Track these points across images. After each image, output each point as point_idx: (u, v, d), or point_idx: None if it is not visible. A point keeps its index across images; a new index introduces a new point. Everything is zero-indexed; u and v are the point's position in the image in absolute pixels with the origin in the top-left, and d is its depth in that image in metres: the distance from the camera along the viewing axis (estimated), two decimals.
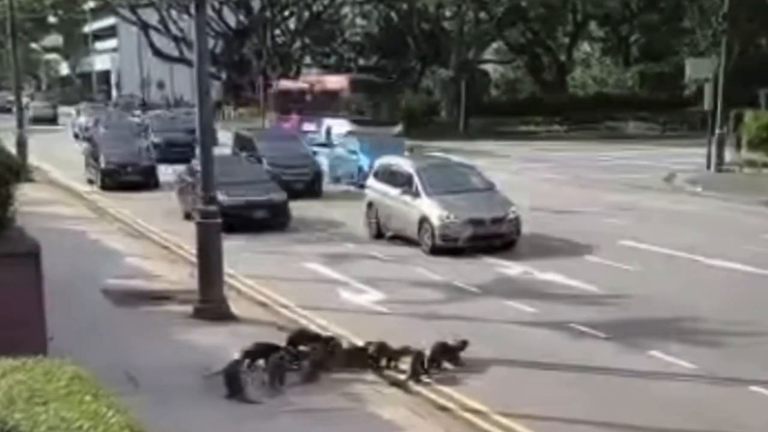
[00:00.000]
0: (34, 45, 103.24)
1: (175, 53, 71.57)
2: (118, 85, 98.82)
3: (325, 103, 46.67)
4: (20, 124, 34.72)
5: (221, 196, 19.40)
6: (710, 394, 11.69)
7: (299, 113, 48.82)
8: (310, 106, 48.56)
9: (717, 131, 35.40)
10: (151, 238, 22.66)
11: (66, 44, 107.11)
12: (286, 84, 55.66)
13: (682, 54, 55.59)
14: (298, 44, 71.77)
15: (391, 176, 22.23)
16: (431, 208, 20.25)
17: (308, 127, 45.98)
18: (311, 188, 29.21)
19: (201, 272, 15.04)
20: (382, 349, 12.33)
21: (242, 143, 31.85)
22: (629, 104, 58.22)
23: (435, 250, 19.78)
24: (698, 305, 15.71)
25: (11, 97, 78.19)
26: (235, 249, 18.16)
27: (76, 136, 54.20)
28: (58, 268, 14.94)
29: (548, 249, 20.41)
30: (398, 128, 43.46)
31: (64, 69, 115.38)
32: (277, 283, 17.45)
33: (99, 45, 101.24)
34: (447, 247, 19.76)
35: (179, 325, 14.35)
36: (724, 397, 11.57)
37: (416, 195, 20.77)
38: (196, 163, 23.13)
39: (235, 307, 15.11)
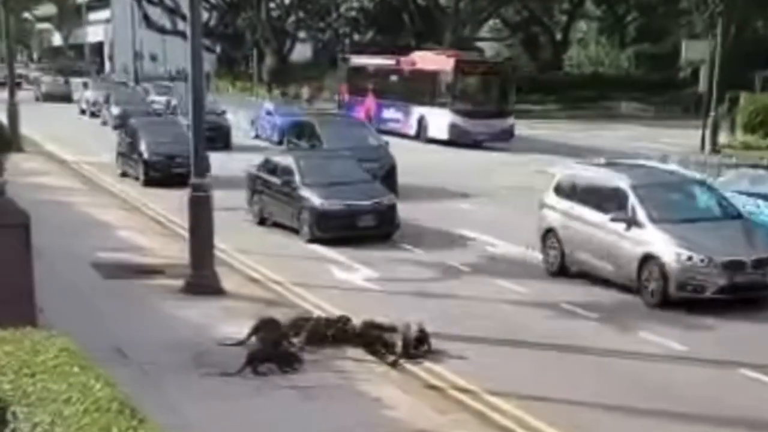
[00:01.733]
0: (26, 14, 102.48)
1: (169, 25, 71.13)
2: (111, 57, 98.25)
3: (417, 87, 39.03)
4: (11, 94, 34.25)
5: (317, 200, 19.00)
6: (700, 376, 11.71)
7: (378, 96, 41.55)
8: (394, 89, 40.90)
9: (711, 113, 35.40)
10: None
11: (59, 14, 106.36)
12: (361, 59, 46.65)
13: (679, 35, 55.46)
14: (292, 18, 71.36)
15: (588, 194, 16.42)
16: (662, 244, 14.84)
17: (389, 113, 40.21)
18: (385, 185, 22.94)
19: (192, 246, 14.98)
20: (371, 326, 12.31)
21: (300, 130, 27.46)
22: (624, 84, 58.15)
23: (665, 302, 14.41)
24: None
25: (20, 71, 76.10)
26: (226, 224, 18.07)
27: (82, 111, 50.68)
28: (49, 240, 14.93)
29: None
30: (510, 120, 37.74)
31: (57, 40, 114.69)
32: (269, 259, 17.38)
33: (92, 16, 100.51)
34: (687, 299, 14.43)
35: (169, 299, 14.31)
36: (713, 379, 11.59)
37: (634, 223, 15.15)
38: (276, 156, 21.70)
39: (227, 282, 15.06)
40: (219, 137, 33.32)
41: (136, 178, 26.97)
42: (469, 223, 20.97)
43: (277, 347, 11.68)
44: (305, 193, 19.29)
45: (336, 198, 19.16)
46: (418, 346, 12.03)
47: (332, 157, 22.09)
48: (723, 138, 36.25)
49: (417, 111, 38.60)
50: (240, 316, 13.49)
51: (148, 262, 16.73)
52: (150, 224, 20.89)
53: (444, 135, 37.05)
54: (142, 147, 26.90)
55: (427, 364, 11.80)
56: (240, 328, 12.52)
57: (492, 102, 37.91)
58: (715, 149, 34.86)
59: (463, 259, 17.52)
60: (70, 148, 34.13)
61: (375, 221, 19.18)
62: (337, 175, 20.16)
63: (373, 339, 12.17)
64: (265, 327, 12.13)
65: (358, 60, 46.60)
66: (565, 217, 16.59)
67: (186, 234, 15.76)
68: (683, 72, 53.51)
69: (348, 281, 16.18)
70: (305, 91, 58.20)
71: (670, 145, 35.88)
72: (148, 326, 12.76)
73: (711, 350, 12.55)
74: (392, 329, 12.20)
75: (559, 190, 17.09)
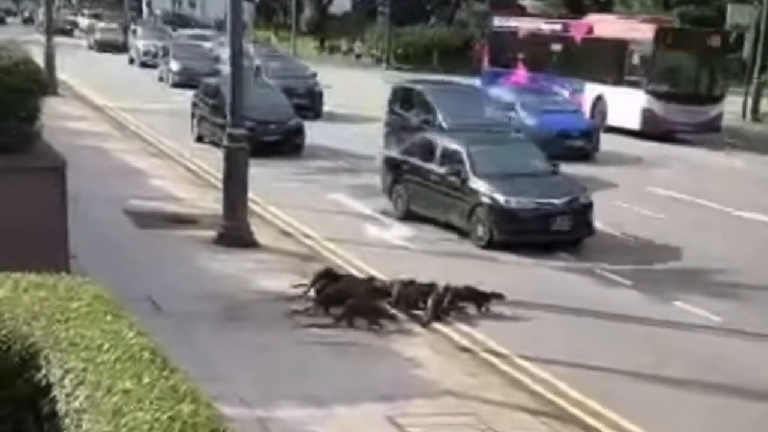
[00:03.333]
0: None
1: None
2: (149, 3, 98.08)
3: (594, 60, 30.91)
4: (48, 36, 33.94)
5: (500, 196, 15.59)
6: (735, 347, 11.55)
7: (532, 68, 33.46)
8: (557, 61, 32.82)
9: (755, 80, 34.78)
10: None
11: None
12: (510, 21, 36.85)
13: None
14: None
15: None
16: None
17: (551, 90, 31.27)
18: None
19: (226, 198, 14.92)
20: (408, 285, 12.18)
21: (405, 99, 23.01)
22: None
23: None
24: (727, 257, 15.49)
25: (71, 17, 74.65)
26: (261, 177, 17.98)
27: (131, 61, 47.19)
28: (83, 186, 14.90)
29: None
30: (720, 108, 29.94)
31: None
32: (304, 213, 17.29)
33: None
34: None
35: (202, 250, 14.29)
36: (748, 351, 11.43)
37: None
38: (429, 136, 17.84)
39: (260, 235, 15.02)
40: (311, 105, 29.46)
41: (217, 145, 21.55)
42: None
43: (372, 302, 11.66)
44: (480, 186, 15.90)
45: (523, 195, 15.77)
46: (450, 309, 11.90)
47: (506, 141, 18.73)
48: (765, 106, 35.64)
49: (592, 90, 30.48)
50: (272, 269, 13.49)
51: (182, 211, 16.72)
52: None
53: (634, 123, 29.11)
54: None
55: (460, 325, 11.71)
56: (273, 282, 12.52)
57: (701, 83, 30.26)
58: (756, 117, 34.31)
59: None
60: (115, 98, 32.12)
61: (570, 224, 15.73)
62: (516, 165, 16.81)
63: (411, 298, 12.05)
64: (328, 278, 12.17)
65: (504, 22, 36.85)
66: None
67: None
68: (728, 37, 52.54)
69: (382, 239, 16.07)
70: (357, 46, 56.98)
71: None
72: (180, 277, 12.75)
73: None
74: (429, 290, 12.06)
75: None
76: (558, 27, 33.82)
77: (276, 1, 72.13)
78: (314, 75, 32.72)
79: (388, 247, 15.57)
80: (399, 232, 16.45)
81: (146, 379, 4.74)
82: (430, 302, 11.82)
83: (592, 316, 12.39)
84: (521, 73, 33.81)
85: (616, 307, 12.74)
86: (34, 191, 9.92)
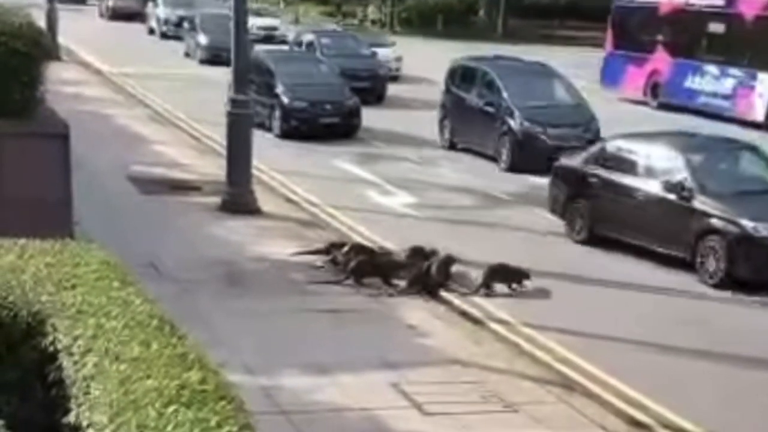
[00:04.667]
0: None
1: None
2: None
3: None
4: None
5: (747, 222, 12.40)
6: (747, 317, 11.49)
7: (677, 53, 27.13)
8: (715, 44, 26.32)
9: None
10: None
11: None
12: None
13: None
14: None
15: None
16: None
17: (702, 82, 26.30)
18: None
19: (229, 164, 14.87)
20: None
21: (465, 78, 20.92)
22: None
23: None
24: None
25: None
26: (265, 144, 17.90)
27: (151, 31, 43.13)
28: (86, 151, 14.84)
29: None
30: None
31: None
32: (307, 180, 17.21)
33: None
34: None
35: (205, 217, 14.25)
36: (761, 320, 11.38)
37: None
38: (621, 142, 14.52)
39: (263, 201, 14.96)
40: (374, 88, 25.88)
41: (266, 128, 20.71)
42: None
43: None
44: (712, 208, 12.72)
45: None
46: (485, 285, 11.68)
47: (729, 148, 15.01)
48: None
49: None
50: (276, 236, 13.46)
51: (186, 177, 16.66)
52: None
53: None
54: (280, 89, 21.09)
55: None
56: (276, 248, 12.49)
57: None
58: None
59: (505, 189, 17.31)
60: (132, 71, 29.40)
61: None
62: (748, 179, 13.96)
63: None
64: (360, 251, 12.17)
65: None
66: None
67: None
68: None
69: (385, 206, 16.02)
70: (371, 11, 55.99)
71: None
72: (183, 243, 12.72)
73: None
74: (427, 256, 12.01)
75: None
76: (719, 1, 26.29)
77: None
78: (374, 53, 28.78)
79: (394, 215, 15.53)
80: (402, 199, 16.39)
81: (154, 347, 4.72)
82: (481, 278, 11.65)
83: (600, 284, 12.32)
84: (662, 59, 27.61)
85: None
86: (37, 157, 9.85)
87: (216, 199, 14.83)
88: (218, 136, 17.85)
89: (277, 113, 20.91)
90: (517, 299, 11.56)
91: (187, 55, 35.62)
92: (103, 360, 4.59)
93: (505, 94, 19.26)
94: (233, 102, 14.87)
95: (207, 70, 30.39)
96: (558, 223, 14.70)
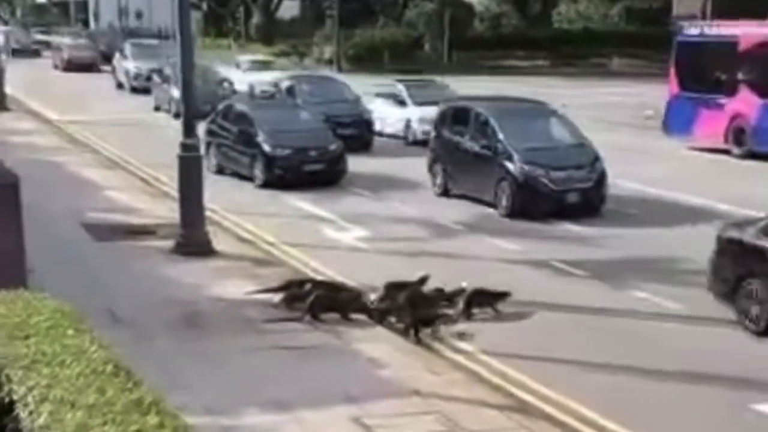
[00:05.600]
0: None
1: None
2: (96, 15, 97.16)
3: None
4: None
5: None
6: (697, 336, 11.67)
7: (765, 94, 23.39)
8: None
9: None
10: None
11: None
12: (716, 29, 26.30)
13: None
14: None
15: None
16: None
17: None
18: (594, 197, 17.78)
19: (182, 207, 14.86)
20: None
21: (457, 120, 19.72)
22: (616, 40, 57.68)
23: None
24: (684, 246, 15.63)
25: (41, 36, 66.26)
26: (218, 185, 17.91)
27: (119, 85, 41.60)
28: (38, 200, 14.75)
29: None
30: None
31: None
32: (261, 219, 17.24)
33: None
34: None
35: (161, 259, 14.21)
36: (710, 338, 11.56)
37: None
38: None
39: (218, 242, 14.96)
40: (360, 134, 25.05)
41: (246, 178, 20.63)
42: None
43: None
44: None
45: None
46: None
47: None
48: None
49: None
50: (231, 276, 13.45)
51: (139, 222, 16.61)
52: None
53: None
54: (260, 137, 20.43)
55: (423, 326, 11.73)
56: (232, 288, 12.47)
57: None
58: None
59: (455, 218, 17.46)
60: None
61: None
62: None
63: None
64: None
65: (707, 29, 26.58)
66: None
67: None
68: (674, 27, 53.19)
69: (340, 240, 16.09)
70: (328, 50, 55.95)
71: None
72: (139, 287, 12.67)
73: None
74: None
75: None
76: None
77: (224, 7, 71.72)
78: (358, 98, 27.37)
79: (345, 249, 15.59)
80: (356, 233, 16.48)
81: (110, 393, 4.74)
82: (461, 304, 11.85)
83: (552, 309, 12.46)
84: (746, 102, 23.89)
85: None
86: None
87: (171, 242, 14.79)
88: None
89: (259, 162, 20.28)
90: (475, 325, 11.65)
91: (157, 108, 33.27)
92: (59, 409, 4.60)
93: (501, 136, 17.99)
94: (184, 146, 14.89)
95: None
96: None
